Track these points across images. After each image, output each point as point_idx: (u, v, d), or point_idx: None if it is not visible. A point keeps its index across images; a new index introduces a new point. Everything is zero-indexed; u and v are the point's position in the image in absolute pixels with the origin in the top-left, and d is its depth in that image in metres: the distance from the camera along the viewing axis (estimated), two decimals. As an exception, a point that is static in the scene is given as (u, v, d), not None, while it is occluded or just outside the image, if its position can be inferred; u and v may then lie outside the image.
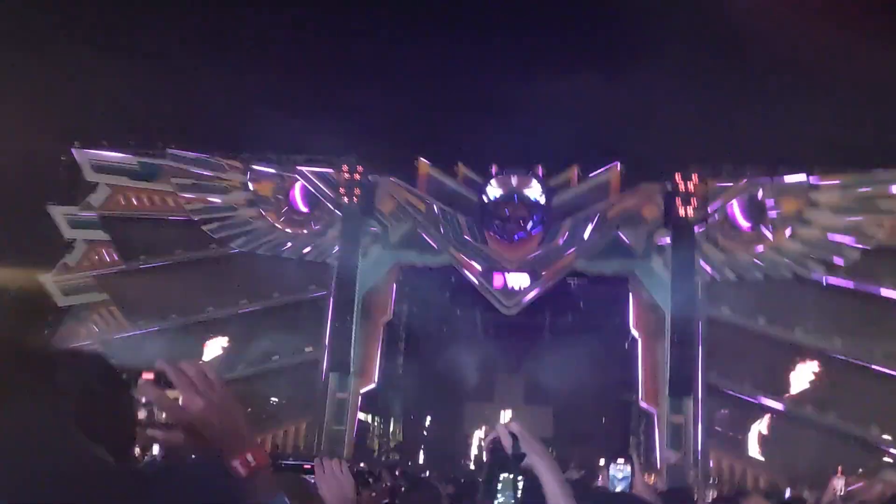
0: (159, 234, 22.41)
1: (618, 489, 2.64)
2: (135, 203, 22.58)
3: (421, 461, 23.58)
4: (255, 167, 22.09)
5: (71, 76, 21.63)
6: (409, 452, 23.48)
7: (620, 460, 2.65)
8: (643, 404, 21.11)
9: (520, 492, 1.63)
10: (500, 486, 1.63)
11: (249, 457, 1.38)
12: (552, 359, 20.70)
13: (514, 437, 1.68)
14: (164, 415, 1.38)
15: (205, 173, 22.10)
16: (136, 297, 22.03)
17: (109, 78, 22.10)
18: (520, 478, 1.64)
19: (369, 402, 22.30)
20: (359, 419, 22.01)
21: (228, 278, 21.84)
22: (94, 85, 22.14)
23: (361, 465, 15.85)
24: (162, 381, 1.38)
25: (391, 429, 23.93)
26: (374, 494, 6.57)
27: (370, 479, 6.42)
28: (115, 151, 22.44)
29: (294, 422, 21.52)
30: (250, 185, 22.05)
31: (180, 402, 1.36)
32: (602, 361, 21.18)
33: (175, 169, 22.19)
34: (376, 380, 21.81)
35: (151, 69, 23.48)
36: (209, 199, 22.01)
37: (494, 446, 1.69)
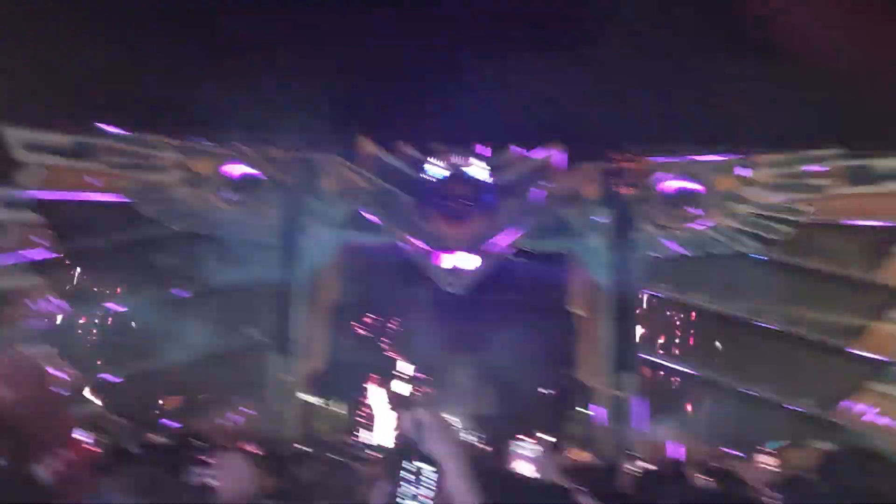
0: (93, 214, 21.73)
1: (523, 468, 2.60)
2: (68, 183, 21.83)
3: (366, 441, 23.57)
4: (191, 145, 21.57)
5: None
6: (355, 433, 23.41)
7: (529, 439, 2.60)
8: (584, 380, 21.48)
9: (423, 481, 1.57)
10: (401, 474, 1.57)
11: (66, 453, 1.28)
12: (496, 336, 20.88)
13: (420, 425, 1.62)
14: None
15: (140, 151, 21.48)
16: (70, 281, 21.40)
17: (40, 52, 21.23)
18: (422, 467, 1.58)
19: (314, 384, 22.17)
20: (304, 401, 21.88)
21: (166, 260, 21.34)
22: (23, 60, 21.22)
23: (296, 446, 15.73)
24: None
25: (337, 410, 23.83)
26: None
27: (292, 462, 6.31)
28: (47, 130, 21.64)
29: (238, 406, 21.25)
30: (187, 164, 21.53)
31: None
32: (544, 338, 21.41)
33: (109, 148, 21.52)
34: (321, 361, 21.71)
35: (82, 43, 22.61)
36: (144, 178, 21.43)
37: (400, 434, 1.63)
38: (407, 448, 1.58)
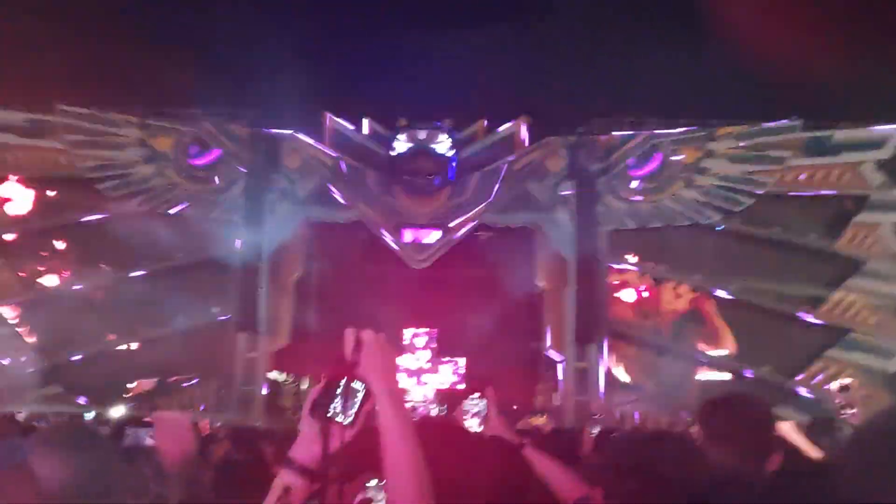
0: (52, 194, 21.36)
1: (470, 423, 2.58)
2: (24, 162, 21.40)
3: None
4: (151, 122, 21.24)
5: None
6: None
7: (475, 395, 2.59)
8: (551, 352, 21.67)
9: (357, 401, 1.55)
10: (338, 390, 1.55)
11: None
12: (463, 311, 20.93)
13: (359, 344, 1.59)
14: None
15: (98, 129, 21.12)
16: (29, 261, 21.04)
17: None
18: (358, 384, 1.56)
19: (280, 361, 22.10)
20: (270, 378, 21.81)
21: (128, 239, 21.01)
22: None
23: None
24: None
25: (304, 386, 23.77)
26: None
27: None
28: (1, 108, 21.16)
29: (203, 384, 21.10)
30: (147, 141, 21.22)
31: None
32: (511, 312, 21.51)
33: (66, 126, 21.11)
34: (287, 338, 21.63)
35: (38, 20, 22.13)
36: (104, 156, 21.08)
37: (341, 352, 1.60)
38: (343, 365, 1.57)
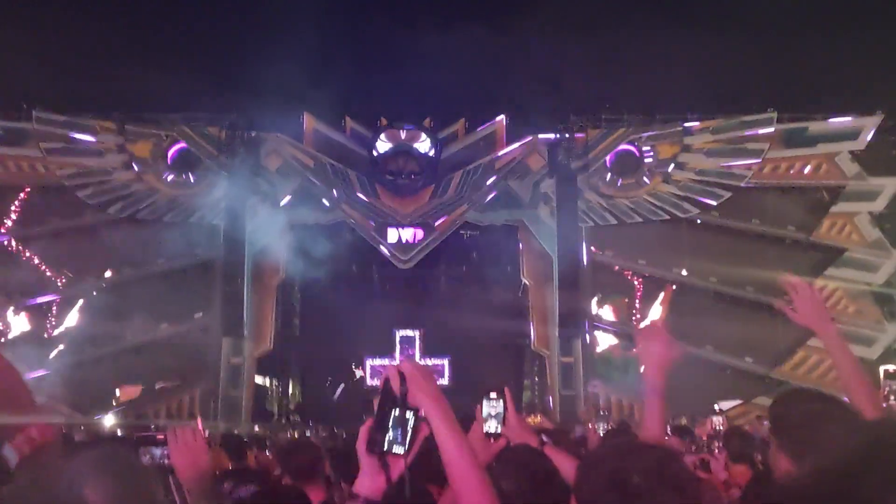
0: (31, 202, 21.15)
1: (490, 426, 2.56)
2: (2, 170, 21.19)
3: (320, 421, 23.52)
4: (129, 127, 21.09)
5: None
6: (310, 413, 23.34)
7: (493, 394, 2.58)
8: (536, 348, 21.77)
9: (410, 429, 1.63)
10: (390, 423, 1.63)
11: (34, 433, 1.25)
12: (448, 310, 20.96)
13: (402, 376, 1.66)
14: None
15: (76, 136, 20.94)
16: (9, 271, 20.79)
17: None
18: (409, 414, 1.63)
19: (266, 365, 22.02)
20: (256, 383, 21.72)
21: (109, 246, 20.84)
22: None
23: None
24: None
25: (290, 391, 23.73)
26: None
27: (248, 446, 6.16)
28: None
29: (188, 390, 20.98)
30: (126, 147, 21.06)
31: None
32: (496, 310, 21.57)
33: (43, 132, 20.91)
34: (271, 342, 21.55)
35: (13, 25, 21.87)
36: (82, 163, 20.90)
37: (385, 386, 1.67)
38: (392, 399, 1.65)
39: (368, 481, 1.67)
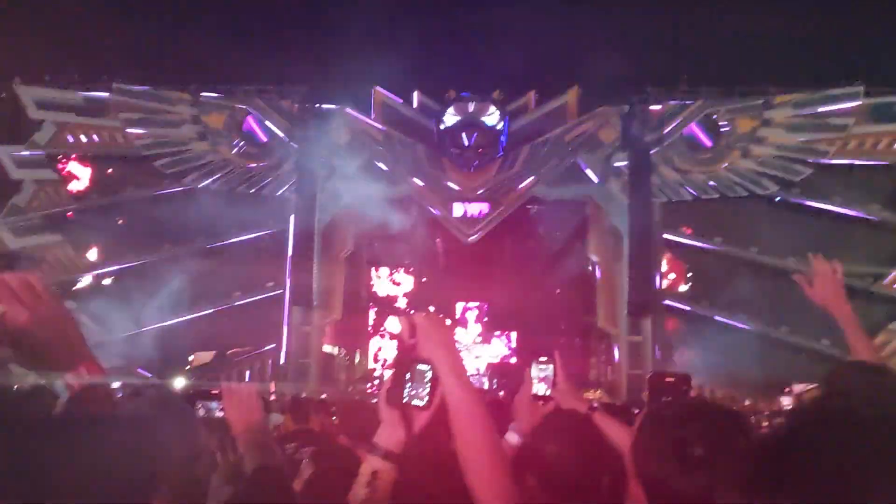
0: (110, 171, 21.84)
1: (539, 388, 2.61)
2: (83, 140, 21.89)
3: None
4: (204, 99, 21.46)
5: (7, 9, 20.62)
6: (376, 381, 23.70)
7: (543, 358, 2.62)
8: (603, 326, 21.51)
9: (427, 381, 1.61)
10: (408, 376, 1.62)
11: (83, 370, 1.29)
12: (514, 285, 20.89)
13: (414, 326, 1.64)
14: None
15: (153, 106, 21.43)
16: (89, 238, 21.57)
17: (50, 10, 21.12)
18: (419, 367, 1.62)
19: (334, 334, 22.39)
20: (324, 351, 22.13)
21: (185, 215, 21.38)
22: (33, 18, 21.13)
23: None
24: None
25: (357, 359, 24.08)
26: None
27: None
28: (59, 87, 21.61)
29: (259, 357, 21.53)
30: (200, 118, 21.47)
31: (2, 315, 1.25)
32: (562, 286, 21.43)
33: (122, 103, 21.48)
34: (340, 311, 21.89)
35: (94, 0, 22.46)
36: (159, 133, 21.41)
37: (399, 338, 1.66)
38: (405, 351, 1.63)
39: (387, 433, 1.64)
